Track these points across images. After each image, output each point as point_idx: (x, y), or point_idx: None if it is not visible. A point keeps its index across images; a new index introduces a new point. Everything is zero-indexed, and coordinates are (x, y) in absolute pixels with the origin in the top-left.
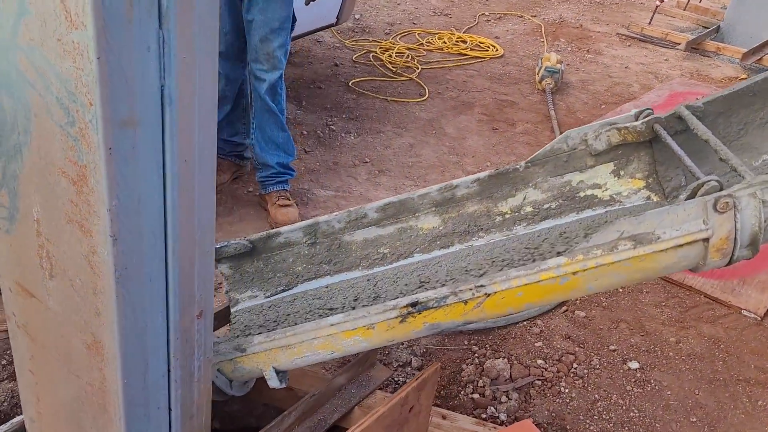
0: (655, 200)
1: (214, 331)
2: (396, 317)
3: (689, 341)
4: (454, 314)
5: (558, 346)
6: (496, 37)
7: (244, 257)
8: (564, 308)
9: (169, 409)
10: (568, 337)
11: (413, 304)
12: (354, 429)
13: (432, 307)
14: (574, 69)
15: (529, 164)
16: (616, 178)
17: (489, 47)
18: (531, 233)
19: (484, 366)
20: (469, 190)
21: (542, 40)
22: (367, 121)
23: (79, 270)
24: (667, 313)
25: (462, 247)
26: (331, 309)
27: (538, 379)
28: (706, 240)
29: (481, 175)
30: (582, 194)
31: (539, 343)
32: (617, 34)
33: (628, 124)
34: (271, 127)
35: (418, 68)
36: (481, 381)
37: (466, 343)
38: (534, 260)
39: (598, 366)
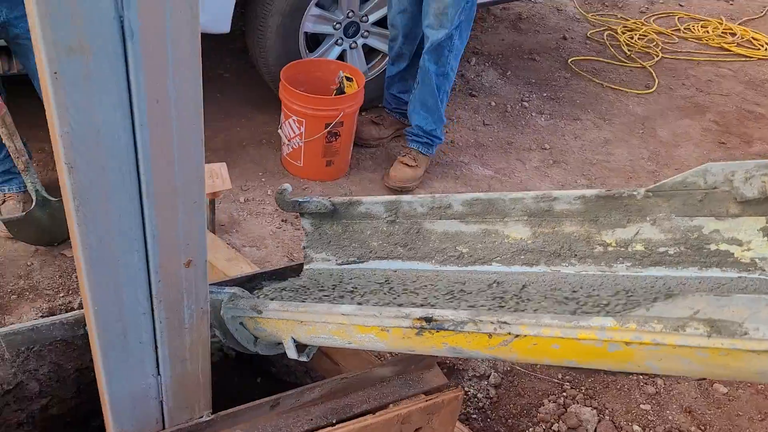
0: None
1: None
2: (410, 327)
3: None
4: (477, 344)
5: (670, 418)
6: None
7: (325, 218)
8: None
9: (156, 347)
10: (689, 412)
11: (427, 319)
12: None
13: (448, 329)
14: None
15: (651, 193)
16: (767, 238)
17: (763, 45)
18: (634, 277)
19: (568, 409)
20: (571, 206)
21: None
22: (569, 105)
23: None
24: None
25: (547, 270)
26: (392, 295)
27: None
28: None
29: (588, 192)
30: (713, 247)
31: (647, 406)
32: None
33: None
34: (425, 87)
35: (657, 56)
36: (556, 425)
37: (559, 376)
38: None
39: None
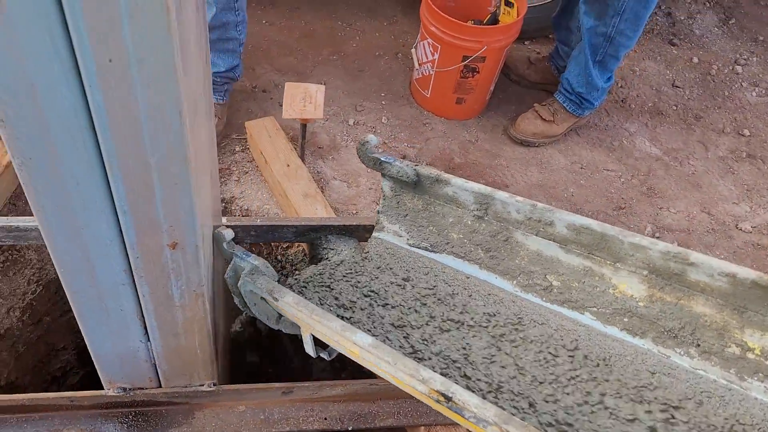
0: None
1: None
2: (424, 393)
3: None
4: None
5: None
6: None
7: (407, 186)
8: None
9: (142, 316)
10: None
11: (446, 397)
12: None
13: (468, 419)
14: None
15: None
16: None
17: None
18: None
19: None
20: (712, 281)
21: None
22: None
23: None
24: None
25: (653, 350)
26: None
27: None
28: None
29: (742, 272)
30: None
31: None
32: None
33: None
34: (583, 43)
35: None
36: None
37: None
38: None
39: None
